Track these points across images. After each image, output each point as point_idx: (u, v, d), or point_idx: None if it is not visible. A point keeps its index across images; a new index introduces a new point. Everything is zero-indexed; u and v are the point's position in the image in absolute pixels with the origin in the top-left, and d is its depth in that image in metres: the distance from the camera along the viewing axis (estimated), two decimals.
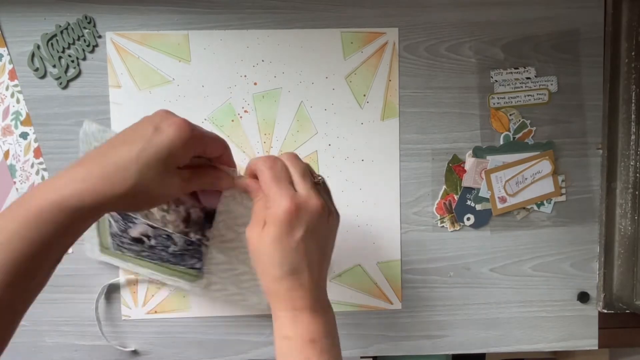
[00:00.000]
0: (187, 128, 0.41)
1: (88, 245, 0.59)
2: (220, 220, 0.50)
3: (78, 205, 0.38)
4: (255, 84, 0.61)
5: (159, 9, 0.60)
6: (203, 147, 0.43)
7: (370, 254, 0.63)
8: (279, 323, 0.44)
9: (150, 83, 0.60)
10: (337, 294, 0.63)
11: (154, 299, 0.62)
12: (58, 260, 0.43)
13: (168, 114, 0.42)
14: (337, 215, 0.48)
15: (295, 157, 0.46)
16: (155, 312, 0.62)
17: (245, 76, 0.61)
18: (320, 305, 0.44)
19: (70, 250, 0.61)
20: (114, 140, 0.41)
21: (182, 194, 0.48)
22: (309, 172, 0.45)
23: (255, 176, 0.45)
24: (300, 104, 0.61)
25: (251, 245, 0.43)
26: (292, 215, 0.41)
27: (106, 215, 0.54)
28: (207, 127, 0.61)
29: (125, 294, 0.61)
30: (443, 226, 0.63)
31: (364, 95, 0.62)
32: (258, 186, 0.44)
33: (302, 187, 0.43)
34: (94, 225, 0.56)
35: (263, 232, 0.42)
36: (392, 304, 0.63)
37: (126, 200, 0.40)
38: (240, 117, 0.61)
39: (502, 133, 0.62)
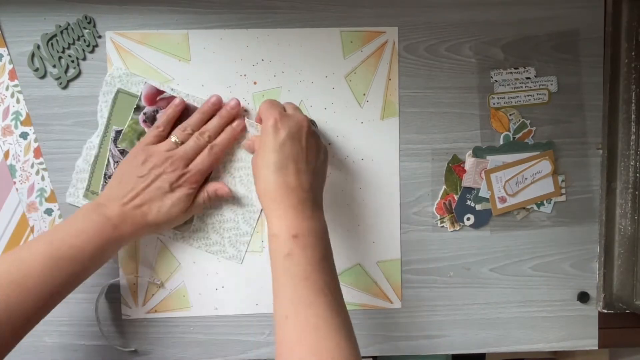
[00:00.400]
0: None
1: (71, 190, 0.60)
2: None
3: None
4: (255, 83, 0.61)
5: (159, 9, 0.60)
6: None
7: (370, 253, 0.63)
8: (269, 222, 0.50)
9: None
10: None
11: (154, 299, 0.62)
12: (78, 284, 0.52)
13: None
14: (325, 148, 0.57)
15: (292, 105, 0.57)
16: (156, 311, 0.62)
17: (244, 75, 0.61)
18: (306, 207, 0.50)
19: None
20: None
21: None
22: (299, 108, 0.57)
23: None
24: (300, 103, 0.61)
25: (252, 161, 0.54)
26: (276, 122, 0.51)
27: (106, 154, 0.59)
28: None
29: (125, 294, 0.61)
30: (443, 226, 0.63)
31: (364, 95, 0.62)
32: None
33: (289, 109, 0.55)
34: (85, 167, 0.60)
35: (257, 144, 0.53)
36: (392, 303, 0.63)
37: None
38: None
39: (502, 133, 0.62)
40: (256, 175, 0.52)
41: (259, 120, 0.55)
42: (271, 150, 0.50)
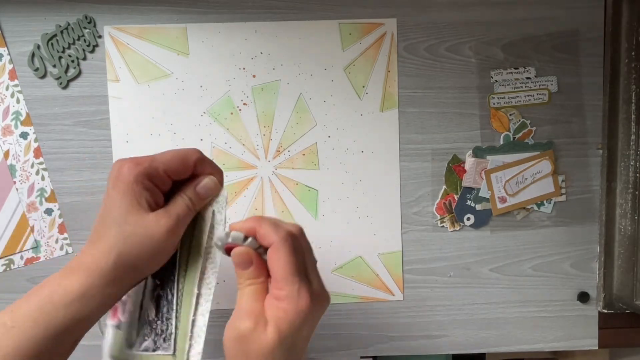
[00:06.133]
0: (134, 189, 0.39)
1: None
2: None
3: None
4: (253, 76, 0.61)
5: (159, 8, 0.60)
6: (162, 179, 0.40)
7: (371, 245, 0.63)
8: None
9: (148, 77, 0.60)
10: (338, 286, 0.63)
11: None
12: (76, 343, 0.42)
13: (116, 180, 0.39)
14: None
15: (303, 233, 0.40)
16: None
17: (243, 69, 0.61)
18: None
19: (70, 250, 0.61)
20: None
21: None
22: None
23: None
24: (299, 95, 0.61)
25: (247, 344, 0.36)
26: (307, 314, 0.36)
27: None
28: (206, 120, 0.61)
29: None
30: (443, 226, 0.63)
31: (363, 87, 0.62)
32: (263, 265, 0.39)
33: (314, 277, 0.38)
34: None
35: (268, 331, 0.36)
36: (393, 295, 0.63)
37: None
38: (240, 109, 0.61)
39: (502, 133, 0.62)
40: (278, 356, 0.36)
41: (249, 232, 0.39)
42: (288, 353, 0.36)
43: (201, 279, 0.41)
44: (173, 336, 0.42)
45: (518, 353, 0.68)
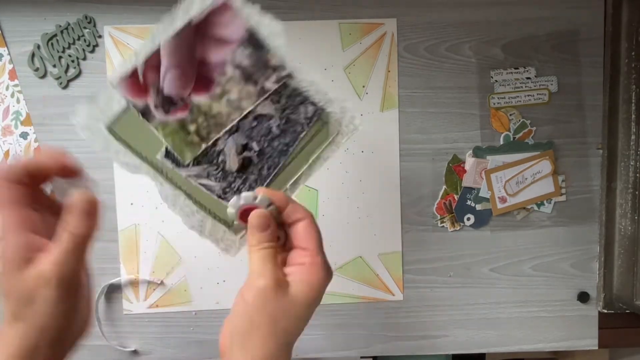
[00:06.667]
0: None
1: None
2: None
3: None
4: None
5: (159, 8, 0.60)
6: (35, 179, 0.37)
7: (371, 245, 0.63)
8: None
9: None
10: (339, 286, 0.63)
11: (155, 293, 0.62)
12: None
13: None
14: None
15: None
16: (157, 306, 0.62)
17: None
18: None
19: None
20: None
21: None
22: None
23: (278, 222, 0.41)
24: None
25: (268, 303, 0.37)
26: (327, 284, 0.39)
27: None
28: None
29: (126, 289, 0.61)
30: (443, 226, 0.63)
31: (363, 87, 0.62)
32: (276, 229, 0.40)
33: (325, 256, 0.41)
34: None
35: (294, 293, 0.38)
36: (393, 295, 0.63)
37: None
38: None
39: (502, 133, 0.62)
40: (270, 331, 0.37)
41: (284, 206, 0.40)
42: (308, 316, 0.39)
43: (299, 177, 0.42)
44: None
45: (518, 353, 0.68)
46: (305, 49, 0.61)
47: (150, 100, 0.39)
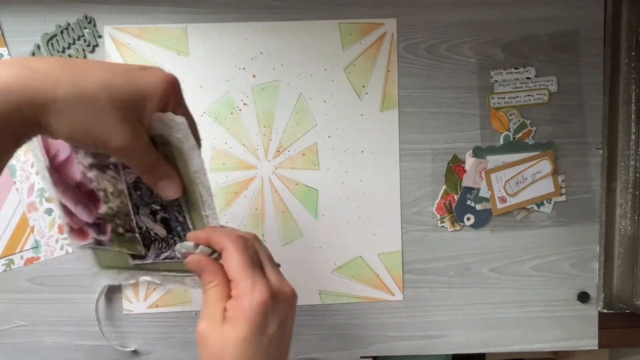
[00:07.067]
0: (172, 83, 0.36)
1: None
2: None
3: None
4: (253, 76, 0.61)
5: (159, 8, 0.60)
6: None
7: (371, 245, 0.63)
8: None
9: None
10: (338, 286, 0.63)
11: (155, 293, 0.62)
12: None
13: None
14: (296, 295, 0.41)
15: (259, 239, 0.42)
16: (157, 306, 0.62)
17: (243, 69, 0.61)
18: None
19: (70, 250, 0.61)
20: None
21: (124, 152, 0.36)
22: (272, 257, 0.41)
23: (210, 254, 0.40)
24: (299, 96, 0.61)
25: (208, 344, 0.36)
26: (267, 308, 0.36)
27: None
28: (206, 120, 0.61)
29: (126, 289, 0.61)
30: (443, 226, 0.63)
31: (363, 87, 0.62)
32: (216, 268, 0.38)
33: (272, 274, 0.38)
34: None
35: (226, 330, 0.35)
36: (393, 295, 0.63)
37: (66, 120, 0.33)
38: (240, 109, 0.61)
39: (502, 133, 0.62)
40: (240, 356, 0.35)
41: (205, 242, 0.40)
42: (255, 350, 0.36)
43: (202, 202, 0.42)
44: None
45: (518, 353, 0.68)
46: (305, 49, 0.61)
47: (92, 234, 0.46)
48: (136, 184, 0.43)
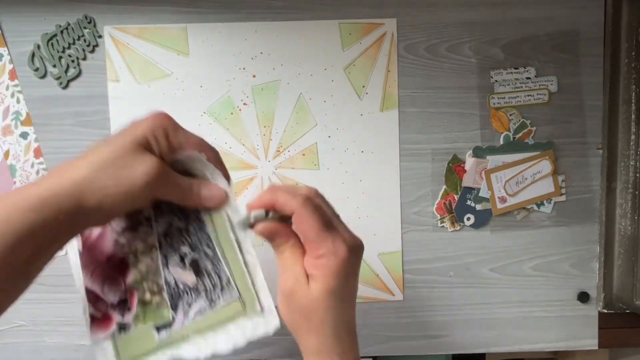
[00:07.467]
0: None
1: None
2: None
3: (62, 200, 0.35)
4: (254, 76, 0.61)
5: (159, 8, 0.60)
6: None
7: (371, 245, 0.63)
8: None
9: (149, 77, 0.60)
10: None
11: None
12: (48, 258, 0.38)
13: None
14: None
15: (320, 194, 0.41)
16: None
17: (243, 69, 0.61)
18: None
19: (64, 252, 0.61)
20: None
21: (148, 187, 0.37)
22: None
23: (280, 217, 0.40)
24: (299, 96, 0.61)
25: (296, 300, 0.38)
26: (349, 263, 0.38)
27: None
28: (206, 120, 0.61)
29: None
30: (443, 226, 0.63)
31: (363, 87, 0.62)
32: (288, 230, 0.40)
33: (342, 229, 0.40)
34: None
35: (314, 286, 0.38)
36: (393, 295, 0.63)
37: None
38: (240, 109, 0.61)
39: (502, 133, 0.62)
40: (308, 328, 0.38)
41: (269, 206, 0.39)
42: (343, 304, 0.39)
43: (230, 223, 0.41)
44: (232, 279, 0.41)
45: (518, 353, 0.68)
46: (305, 49, 0.61)
47: (116, 318, 0.44)
48: (167, 231, 0.42)
